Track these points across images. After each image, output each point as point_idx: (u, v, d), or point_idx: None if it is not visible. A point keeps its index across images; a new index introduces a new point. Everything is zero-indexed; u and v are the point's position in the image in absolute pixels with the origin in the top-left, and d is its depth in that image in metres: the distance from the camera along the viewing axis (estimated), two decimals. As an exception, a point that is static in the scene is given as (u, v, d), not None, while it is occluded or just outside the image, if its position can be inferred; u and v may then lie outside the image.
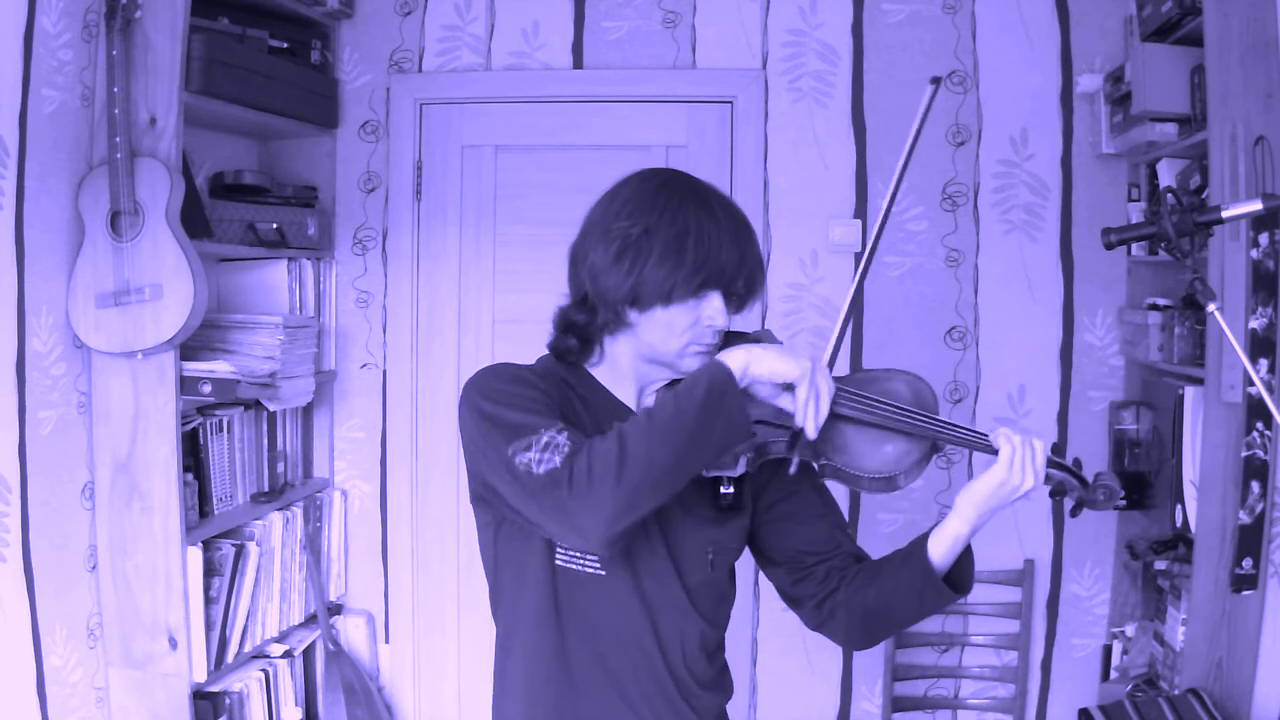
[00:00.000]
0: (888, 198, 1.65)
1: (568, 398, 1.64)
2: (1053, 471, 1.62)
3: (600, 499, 1.44)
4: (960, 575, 1.65)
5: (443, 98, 3.47)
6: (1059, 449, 1.64)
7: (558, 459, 1.46)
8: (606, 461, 1.45)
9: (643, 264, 1.57)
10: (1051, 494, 1.64)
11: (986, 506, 1.58)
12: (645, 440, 1.46)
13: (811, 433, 1.54)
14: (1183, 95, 2.77)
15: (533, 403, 1.55)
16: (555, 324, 1.70)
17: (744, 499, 1.71)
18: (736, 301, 1.63)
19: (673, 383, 1.67)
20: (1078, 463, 1.65)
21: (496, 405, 1.55)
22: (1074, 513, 1.64)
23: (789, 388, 1.55)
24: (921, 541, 1.64)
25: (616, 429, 1.49)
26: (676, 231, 1.57)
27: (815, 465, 1.63)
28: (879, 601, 1.66)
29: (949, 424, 1.61)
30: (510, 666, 1.71)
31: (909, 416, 1.61)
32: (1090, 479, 1.63)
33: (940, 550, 1.62)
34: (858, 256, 3.36)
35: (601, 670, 1.64)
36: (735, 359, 1.52)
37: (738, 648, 3.39)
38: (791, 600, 1.77)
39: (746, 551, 1.79)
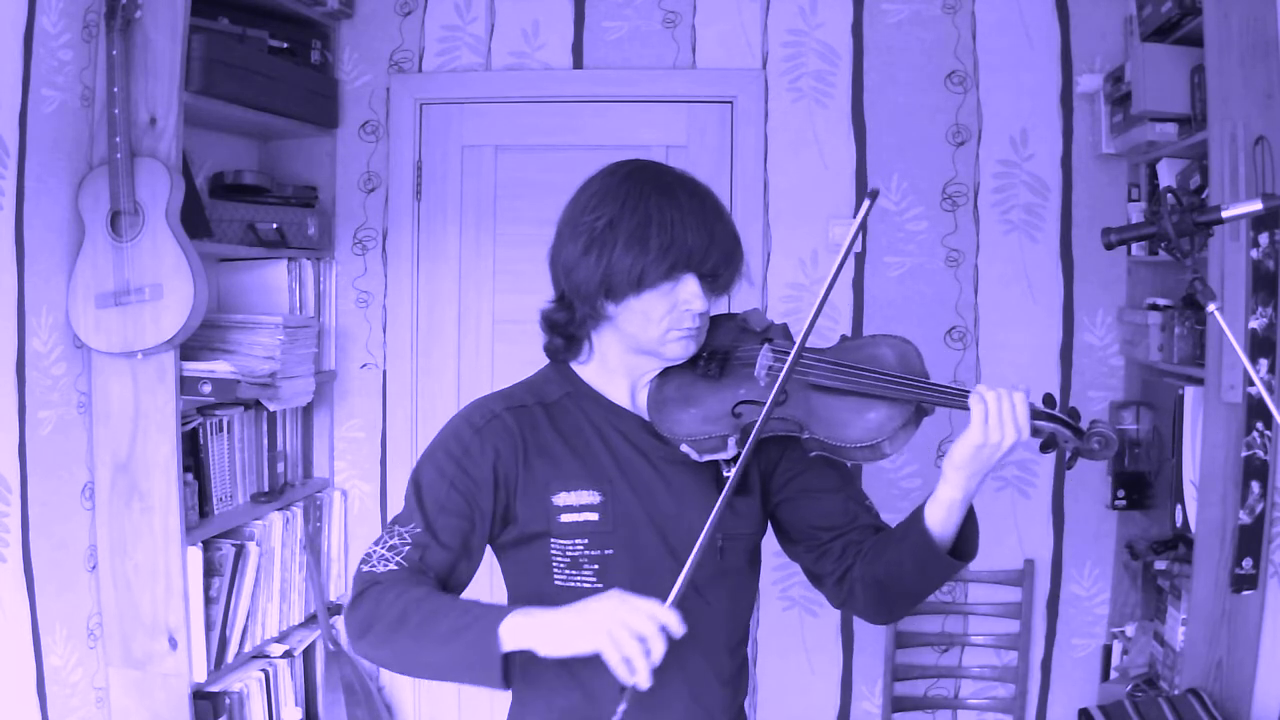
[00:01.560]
0: (822, 293, 1.57)
1: (528, 437, 1.63)
2: (1042, 424, 1.55)
3: (354, 636, 1.55)
4: (964, 542, 1.61)
5: (443, 98, 3.47)
6: (1051, 400, 1.58)
7: (379, 568, 1.57)
8: (374, 615, 1.53)
9: (609, 254, 1.57)
10: (1042, 448, 1.57)
11: (970, 469, 1.53)
12: (407, 627, 1.50)
13: (645, 686, 1.40)
14: (1183, 95, 2.77)
15: (441, 480, 1.61)
16: (541, 326, 1.72)
17: (750, 479, 1.69)
18: (719, 284, 1.62)
19: (664, 374, 1.67)
20: (1074, 412, 1.58)
21: (415, 475, 1.64)
22: (1069, 464, 1.57)
23: None
24: (918, 512, 1.60)
25: (411, 594, 1.51)
26: (639, 219, 1.57)
27: (801, 439, 1.61)
28: (889, 574, 1.62)
29: (929, 384, 1.57)
30: (523, 685, 1.70)
31: (889, 381, 1.57)
32: (1085, 428, 1.56)
33: (936, 518, 1.57)
34: (858, 257, 3.36)
35: (613, 679, 1.62)
36: (516, 630, 1.44)
37: (738, 648, 3.39)
38: (814, 578, 1.74)
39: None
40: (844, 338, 1.72)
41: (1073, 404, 3.32)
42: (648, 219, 1.57)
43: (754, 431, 1.52)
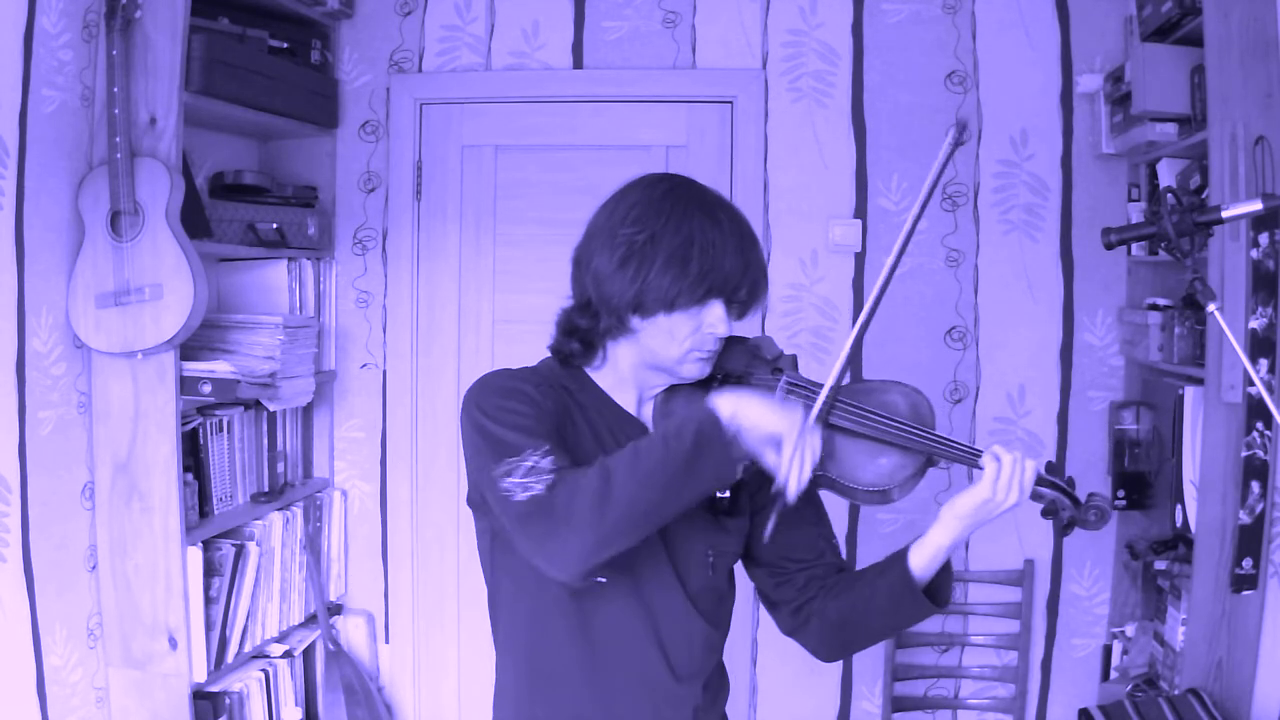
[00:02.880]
0: (902, 239, 1.60)
1: (565, 405, 1.64)
2: (1044, 490, 1.61)
3: (579, 534, 1.45)
4: (938, 588, 1.66)
5: (443, 98, 3.47)
6: (1054, 468, 1.64)
7: (539, 487, 1.47)
8: (590, 497, 1.45)
9: (647, 271, 1.56)
10: (1043, 513, 1.63)
11: (970, 521, 1.59)
12: (631, 480, 1.46)
13: (792, 495, 1.50)
14: (1183, 95, 2.77)
15: (524, 418, 1.55)
16: (558, 326, 1.70)
17: (741, 503, 1.71)
18: (738, 309, 1.63)
19: (671, 389, 1.68)
20: (1071, 481, 1.65)
21: (489, 419, 1.56)
22: (1065, 531, 1.63)
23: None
24: (902, 553, 1.64)
25: (601, 463, 1.48)
26: (681, 240, 1.56)
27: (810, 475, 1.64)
28: (855, 610, 1.66)
29: (945, 439, 1.61)
30: (508, 671, 1.71)
31: (906, 430, 1.61)
32: (1083, 499, 1.63)
33: (921, 561, 1.62)
34: (858, 257, 3.36)
35: (603, 674, 1.64)
36: (724, 405, 1.50)
37: (738, 648, 3.39)
38: (769, 603, 1.78)
39: None
40: (851, 371, 1.75)
41: (1072, 404, 3.33)
42: (690, 240, 1.57)
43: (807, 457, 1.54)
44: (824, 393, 1.58)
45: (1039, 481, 1.61)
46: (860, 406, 1.63)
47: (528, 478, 1.48)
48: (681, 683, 1.67)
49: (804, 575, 1.72)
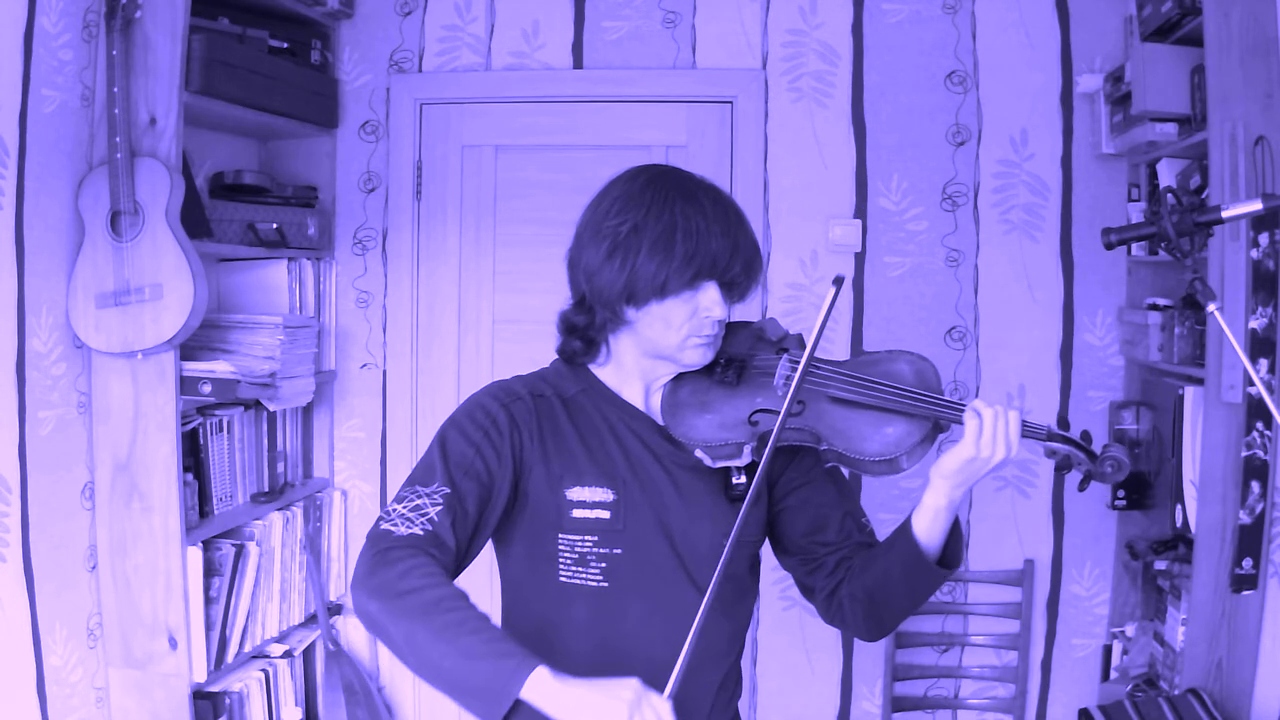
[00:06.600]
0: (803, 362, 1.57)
1: (541, 425, 1.63)
2: (1056, 446, 1.58)
3: (364, 594, 1.49)
4: (949, 553, 1.63)
5: (443, 98, 3.47)
6: (1065, 422, 1.61)
7: (399, 528, 1.51)
8: (395, 587, 1.46)
9: (633, 260, 1.57)
10: (1057, 469, 1.61)
11: (957, 479, 1.56)
12: (432, 621, 1.43)
13: None
14: (1183, 95, 2.77)
15: (465, 447, 1.59)
16: (558, 327, 1.71)
17: (759, 486, 1.69)
18: (737, 291, 1.62)
19: (679, 378, 1.67)
20: (1086, 435, 1.61)
21: (439, 436, 1.62)
22: (1081, 486, 1.60)
23: None
24: (906, 523, 1.61)
25: (445, 588, 1.45)
26: (664, 226, 1.57)
27: (819, 450, 1.62)
28: (878, 587, 1.64)
29: (929, 397, 1.58)
30: None
31: (905, 396, 1.58)
32: (1099, 451, 1.59)
33: (923, 525, 1.59)
34: (858, 257, 3.36)
35: (610, 674, 1.62)
36: (541, 685, 1.37)
37: (738, 648, 3.39)
38: (807, 591, 1.75)
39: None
40: (861, 351, 1.73)
41: (1072, 404, 3.33)
42: (673, 226, 1.57)
43: (771, 441, 1.52)
44: (791, 389, 1.54)
45: (1050, 437, 1.58)
46: (861, 376, 1.60)
47: (411, 512, 1.53)
48: (692, 683, 1.63)
49: (833, 559, 1.70)
